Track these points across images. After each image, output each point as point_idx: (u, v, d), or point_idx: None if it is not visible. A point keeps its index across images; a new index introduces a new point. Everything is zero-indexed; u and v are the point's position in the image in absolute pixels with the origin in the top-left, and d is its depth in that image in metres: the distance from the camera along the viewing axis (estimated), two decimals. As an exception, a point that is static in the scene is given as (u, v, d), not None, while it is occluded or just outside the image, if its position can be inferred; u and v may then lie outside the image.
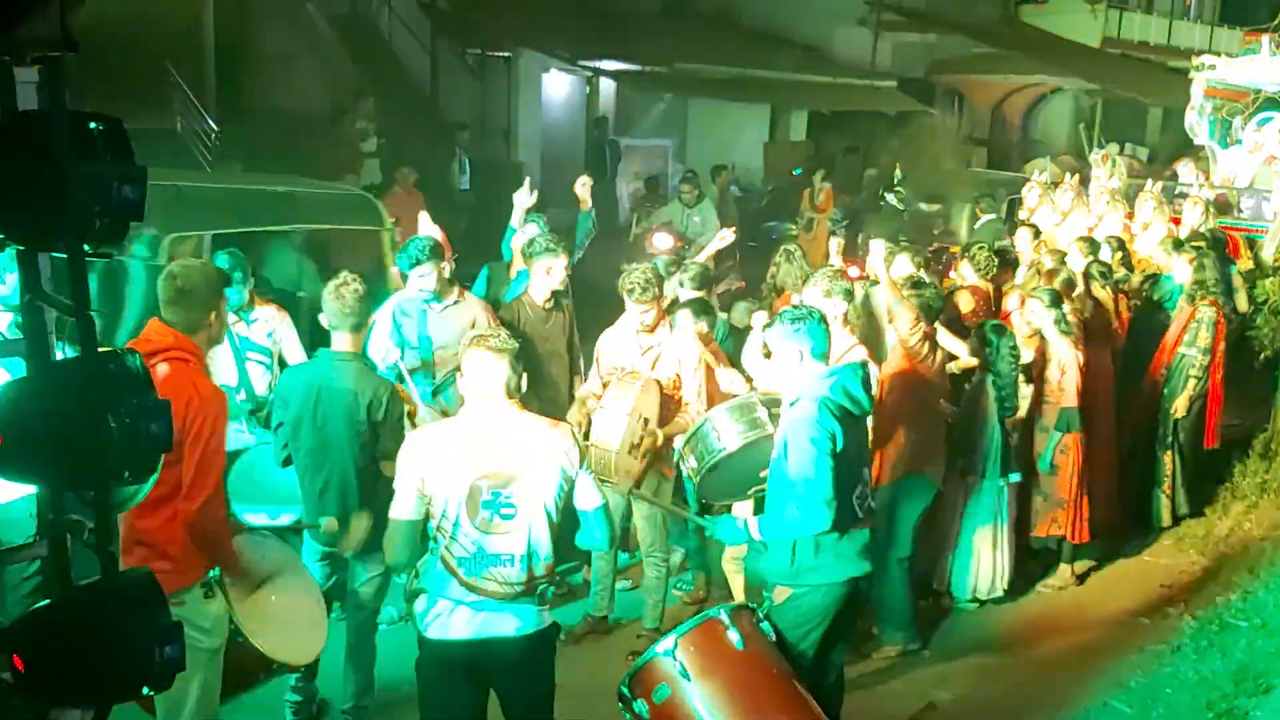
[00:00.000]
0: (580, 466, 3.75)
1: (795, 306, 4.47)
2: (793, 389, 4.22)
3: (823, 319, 4.29)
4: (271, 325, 5.95)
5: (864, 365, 4.51)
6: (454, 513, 3.60)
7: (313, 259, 7.60)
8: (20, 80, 1.96)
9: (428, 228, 6.33)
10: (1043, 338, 6.80)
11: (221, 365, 5.69)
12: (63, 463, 1.94)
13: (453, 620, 3.66)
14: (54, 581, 2.07)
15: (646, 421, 5.36)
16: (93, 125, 1.91)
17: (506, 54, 18.27)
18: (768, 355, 4.67)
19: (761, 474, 4.57)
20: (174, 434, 2.04)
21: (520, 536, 3.62)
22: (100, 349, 1.97)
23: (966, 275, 7.74)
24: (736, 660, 3.89)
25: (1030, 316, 6.84)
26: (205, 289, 3.80)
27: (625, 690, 3.91)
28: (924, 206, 14.68)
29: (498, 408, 3.69)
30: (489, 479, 3.60)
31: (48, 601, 2.09)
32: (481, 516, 3.59)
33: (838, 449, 4.04)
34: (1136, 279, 8.94)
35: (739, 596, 5.49)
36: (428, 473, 3.63)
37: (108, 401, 1.91)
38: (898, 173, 15.46)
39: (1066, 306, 6.88)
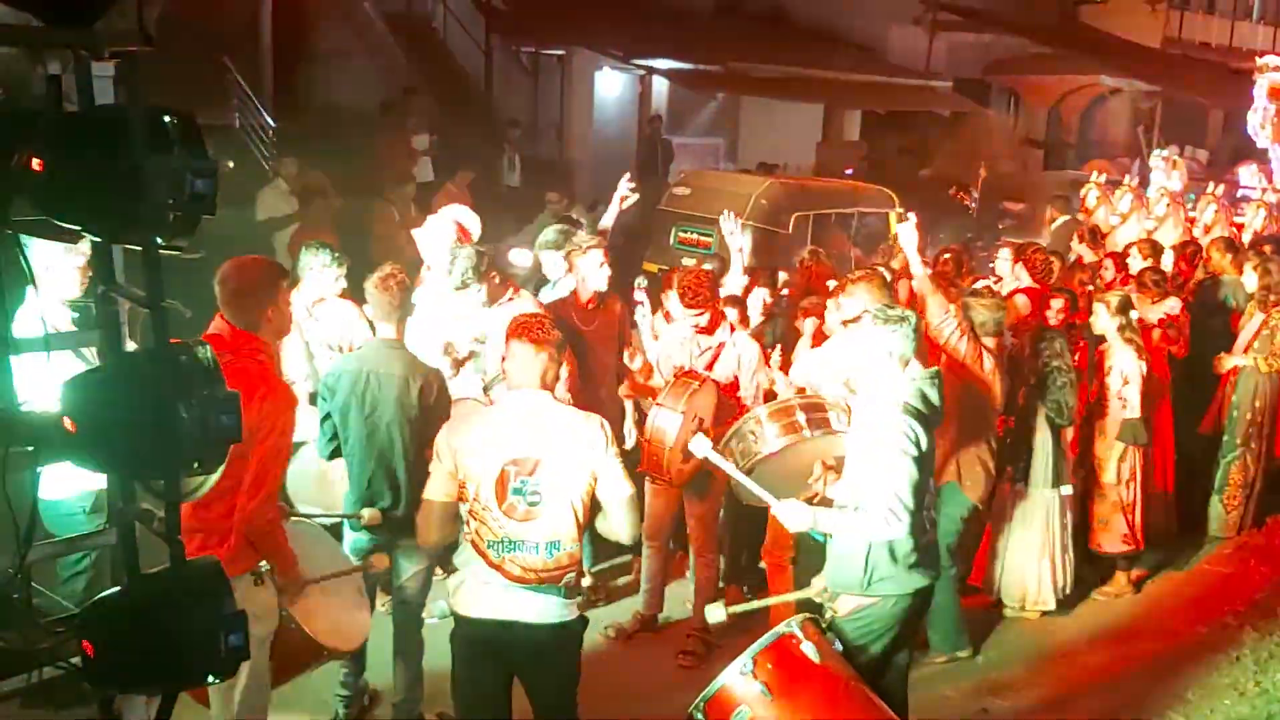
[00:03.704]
0: (607, 455, 3.75)
1: (894, 306, 4.38)
2: (869, 391, 4.15)
3: (919, 325, 4.21)
4: (343, 319, 5.91)
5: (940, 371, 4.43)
6: (484, 496, 3.68)
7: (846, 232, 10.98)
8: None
9: (444, 224, 6.27)
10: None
11: (291, 358, 5.74)
12: (134, 452, 1.97)
13: (480, 599, 3.74)
14: (123, 569, 2.10)
15: (701, 422, 5.34)
16: (167, 120, 1.93)
17: (560, 52, 18.32)
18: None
19: (811, 480, 4.51)
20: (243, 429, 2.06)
21: (545, 524, 3.68)
22: (172, 340, 1.99)
23: (1021, 278, 7.61)
24: (815, 673, 3.81)
25: (1093, 321, 6.70)
26: (260, 287, 3.80)
27: (700, 716, 3.80)
28: (1009, 206, 14.50)
29: (531, 397, 3.75)
30: (516, 465, 3.67)
31: (116, 589, 2.12)
32: (509, 502, 3.67)
33: (922, 452, 3.96)
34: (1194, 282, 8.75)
35: (775, 592, 5.44)
36: (459, 455, 3.71)
37: (179, 393, 1.93)
38: (982, 171, 15.28)
39: (1135, 314, 6.73)
